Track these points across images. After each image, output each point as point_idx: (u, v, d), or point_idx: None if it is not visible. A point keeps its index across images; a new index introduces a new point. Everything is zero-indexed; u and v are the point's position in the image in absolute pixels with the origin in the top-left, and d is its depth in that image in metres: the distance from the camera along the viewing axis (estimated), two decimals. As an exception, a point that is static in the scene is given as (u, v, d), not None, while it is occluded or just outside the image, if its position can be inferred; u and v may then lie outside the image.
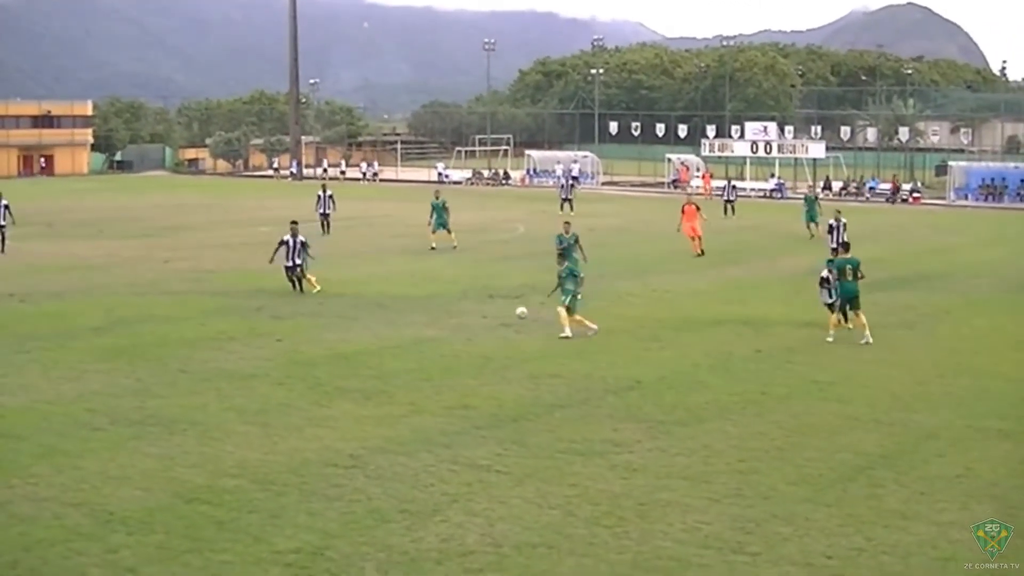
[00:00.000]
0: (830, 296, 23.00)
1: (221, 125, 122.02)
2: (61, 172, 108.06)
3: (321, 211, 44.67)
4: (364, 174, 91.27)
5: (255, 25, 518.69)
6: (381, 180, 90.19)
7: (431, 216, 38.80)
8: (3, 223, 39.55)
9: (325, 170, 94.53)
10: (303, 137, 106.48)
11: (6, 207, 40.10)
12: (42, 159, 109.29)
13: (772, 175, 76.20)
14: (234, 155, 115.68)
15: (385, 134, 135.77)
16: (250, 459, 14.69)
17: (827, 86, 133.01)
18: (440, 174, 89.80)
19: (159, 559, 11.34)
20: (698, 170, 79.49)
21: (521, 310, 24.36)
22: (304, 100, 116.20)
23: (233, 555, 11.43)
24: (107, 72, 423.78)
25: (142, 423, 16.45)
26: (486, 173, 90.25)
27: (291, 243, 28.47)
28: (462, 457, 14.80)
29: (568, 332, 22.77)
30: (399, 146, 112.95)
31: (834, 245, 31.69)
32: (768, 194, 73.46)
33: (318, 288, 28.65)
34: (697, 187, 60.89)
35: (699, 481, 13.85)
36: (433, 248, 37.91)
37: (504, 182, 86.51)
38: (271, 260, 29.32)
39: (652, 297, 29.07)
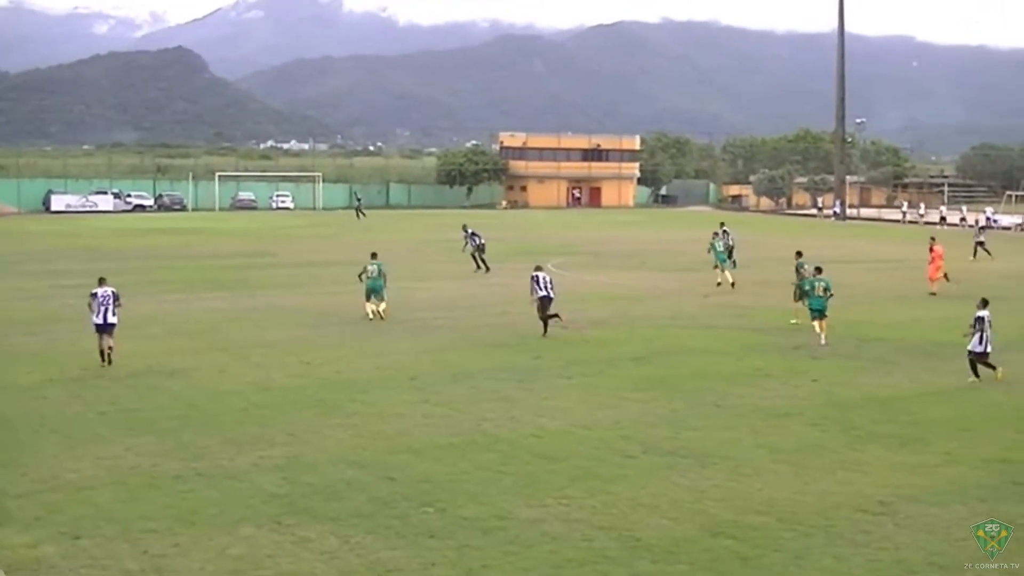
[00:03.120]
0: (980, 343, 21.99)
1: (765, 162, 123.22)
2: (608, 204, 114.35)
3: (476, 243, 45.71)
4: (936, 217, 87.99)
5: (802, 63, 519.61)
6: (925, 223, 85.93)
7: (361, 276, 31.77)
8: (481, 242, 45.29)
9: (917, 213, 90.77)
10: (847, 177, 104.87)
11: (472, 234, 45.75)
12: (577, 190, 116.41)
13: None
14: (777, 193, 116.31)
15: (932, 176, 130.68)
16: (778, 498, 14.62)
17: None
18: (988, 219, 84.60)
19: (684, 590, 11.55)
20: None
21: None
22: (850, 139, 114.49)
23: (759, 596, 11.38)
24: (655, 108, 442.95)
25: (674, 454, 16.89)
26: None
27: None
28: (999, 513, 13.88)
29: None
30: (946, 188, 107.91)
31: None
32: None
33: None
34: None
35: None
36: (370, 319, 30.89)
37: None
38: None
39: None
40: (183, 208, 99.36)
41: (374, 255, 32.07)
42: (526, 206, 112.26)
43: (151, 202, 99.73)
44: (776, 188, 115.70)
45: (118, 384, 21.81)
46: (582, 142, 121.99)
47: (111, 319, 24.16)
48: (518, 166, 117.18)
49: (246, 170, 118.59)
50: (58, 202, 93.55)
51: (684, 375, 23.08)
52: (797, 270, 30.51)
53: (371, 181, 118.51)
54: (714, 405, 20.27)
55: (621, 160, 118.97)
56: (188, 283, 40.27)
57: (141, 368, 23.47)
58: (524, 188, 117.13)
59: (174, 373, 22.96)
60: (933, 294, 37.67)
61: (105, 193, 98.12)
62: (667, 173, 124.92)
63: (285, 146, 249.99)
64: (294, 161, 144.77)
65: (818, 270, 28.24)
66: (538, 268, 29.34)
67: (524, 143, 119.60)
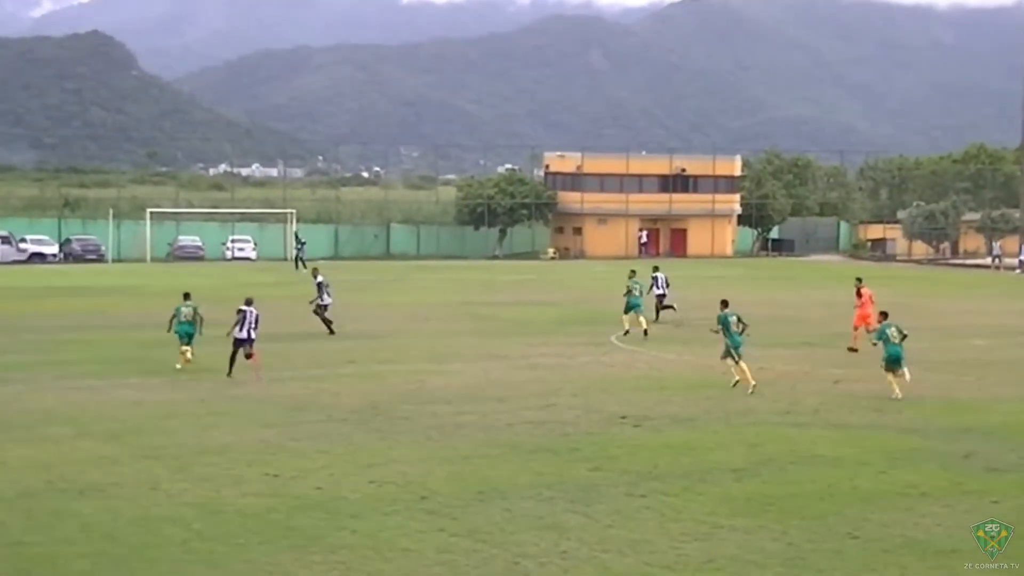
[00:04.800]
0: None
1: (920, 193, 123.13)
2: (696, 253, 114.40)
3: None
4: None
5: (975, 52, 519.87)
6: None
7: (171, 323, 39.60)
8: (327, 302, 49.66)
9: None
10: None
11: (320, 284, 49.99)
12: (645, 233, 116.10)
13: None
14: (938, 235, 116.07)
15: None
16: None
17: None
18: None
19: None
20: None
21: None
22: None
23: None
24: (762, 117, 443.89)
25: (793, 606, 16.86)
26: None
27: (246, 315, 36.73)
28: None
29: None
30: None
31: None
32: None
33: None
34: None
35: None
36: (178, 367, 38.47)
37: None
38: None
39: None
40: (100, 258, 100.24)
41: (187, 295, 39.63)
42: (582, 256, 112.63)
43: (54, 249, 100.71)
44: (936, 228, 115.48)
45: (4, 507, 21.93)
46: (660, 165, 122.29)
47: None
48: (571, 199, 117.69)
49: (190, 205, 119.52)
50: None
51: (804, 494, 23.05)
52: (724, 326, 35.11)
53: (365, 220, 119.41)
54: (848, 536, 20.19)
55: (715, 190, 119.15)
56: (107, 364, 40.50)
57: (39, 485, 23.59)
58: (579, 230, 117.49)
59: (86, 491, 23.04)
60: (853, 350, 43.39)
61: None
62: (780, 208, 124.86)
63: (245, 172, 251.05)
64: (257, 193, 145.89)
65: (884, 315, 34.38)
66: (248, 302, 37.37)
67: (579, 167, 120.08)
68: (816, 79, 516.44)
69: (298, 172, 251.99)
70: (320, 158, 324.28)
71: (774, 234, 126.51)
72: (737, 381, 34.56)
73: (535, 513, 21.49)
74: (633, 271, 51.76)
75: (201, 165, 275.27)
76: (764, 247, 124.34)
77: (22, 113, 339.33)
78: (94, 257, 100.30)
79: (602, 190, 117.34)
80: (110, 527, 20.61)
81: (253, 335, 36.71)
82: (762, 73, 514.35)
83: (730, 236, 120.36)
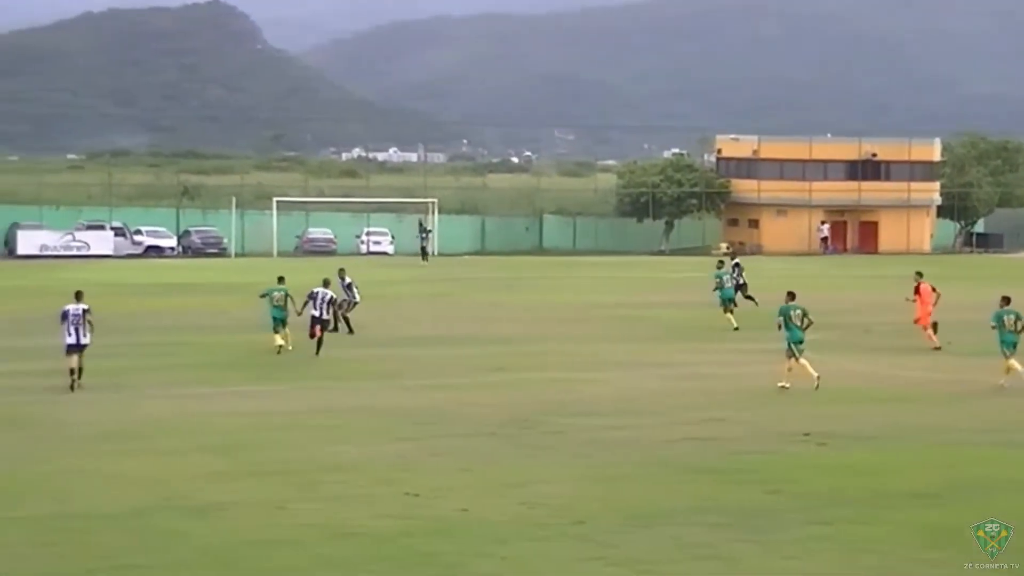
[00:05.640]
0: None
1: None
2: (888, 248, 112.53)
3: None
4: None
5: None
6: None
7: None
8: (356, 300, 51.02)
9: None
10: None
11: (349, 285, 50.75)
12: (826, 226, 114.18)
13: None
14: None
15: None
16: None
17: None
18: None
19: None
20: None
21: None
22: None
23: None
24: (960, 95, 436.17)
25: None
26: None
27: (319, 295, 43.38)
28: None
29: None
30: None
31: None
32: None
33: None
34: None
35: None
36: (279, 352, 43.59)
37: None
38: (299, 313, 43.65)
39: None
40: (222, 251, 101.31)
41: (281, 279, 45.43)
42: (759, 251, 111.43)
43: (172, 242, 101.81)
44: None
45: (114, 526, 22.29)
46: (847, 150, 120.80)
47: (84, 340, 34.98)
48: (745, 188, 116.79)
49: (320, 193, 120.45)
50: (28, 241, 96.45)
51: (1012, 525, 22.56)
52: (785, 318, 36.96)
53: (514, 211, 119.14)
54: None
55: (911, 178, 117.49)
56: (226, 370, 41.03)
57: (151, 501, 23.94)
58: (755, 223, 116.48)
59: (202, 510, 23.38)
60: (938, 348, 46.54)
61: (102, 228, 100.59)
62: (986, 198, 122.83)
63: (381, 156, 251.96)
64: (395, 180, 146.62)
65: (1006, 300, 37.34)
66: (326, 283, 44.39)
67: (755, 152, 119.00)
68: (1014, 51, 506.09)
69: (439, 157, 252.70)
70: (464, 141, 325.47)
71: (979, 227, 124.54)
72: (783, 385, 36.49)
73: (703, 541, 21.39)
74: (721, 262, 57.06)
75: (332, 149, 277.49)
76: (967, 242, 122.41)
77: (135, 92, 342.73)
78: (215, 251, 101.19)
79: (781, 177, 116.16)
80: (228, 550, 20.85)
81: (327, 315, 43.67)
82: (957, 46, 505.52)
83: (928, 230, 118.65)
